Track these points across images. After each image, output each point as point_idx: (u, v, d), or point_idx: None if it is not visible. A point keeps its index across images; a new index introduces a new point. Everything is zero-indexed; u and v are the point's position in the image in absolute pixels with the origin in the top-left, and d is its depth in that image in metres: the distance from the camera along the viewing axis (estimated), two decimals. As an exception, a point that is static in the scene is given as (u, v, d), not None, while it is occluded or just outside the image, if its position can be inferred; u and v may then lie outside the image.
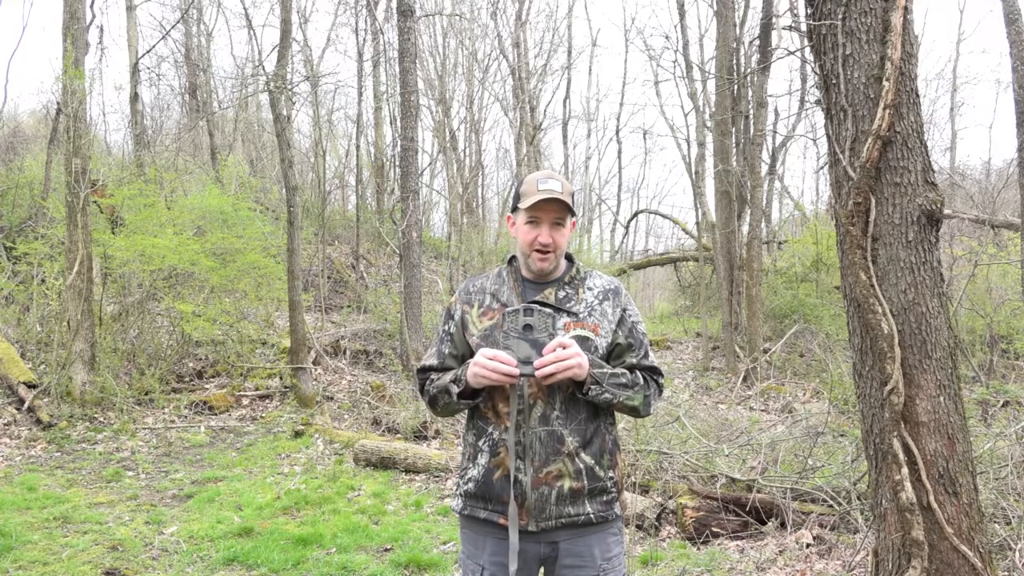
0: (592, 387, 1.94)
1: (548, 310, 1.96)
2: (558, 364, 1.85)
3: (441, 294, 14.08)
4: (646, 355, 2.10)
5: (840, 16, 3.03)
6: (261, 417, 8.93)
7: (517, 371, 1.86)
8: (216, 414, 8.84)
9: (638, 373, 2.06)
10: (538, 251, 2.04)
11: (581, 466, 1.99)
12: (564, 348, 1.87)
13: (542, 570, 2.08)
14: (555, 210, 2.02)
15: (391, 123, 17.40)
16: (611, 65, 62.54)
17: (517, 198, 2.08)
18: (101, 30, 19.70)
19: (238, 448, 7.73)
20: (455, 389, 2.00)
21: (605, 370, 1.97)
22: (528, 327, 1.90)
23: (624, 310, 2.10)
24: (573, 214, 2.09)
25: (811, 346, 12.02)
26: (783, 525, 4.71)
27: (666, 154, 56.10)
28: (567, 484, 1.97)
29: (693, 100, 14.86)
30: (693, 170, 14.86)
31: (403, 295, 10.54)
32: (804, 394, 10.28)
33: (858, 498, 4.56)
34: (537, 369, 1.85)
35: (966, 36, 52.86)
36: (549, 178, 2.04)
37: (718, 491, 5.04)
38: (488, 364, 1.87)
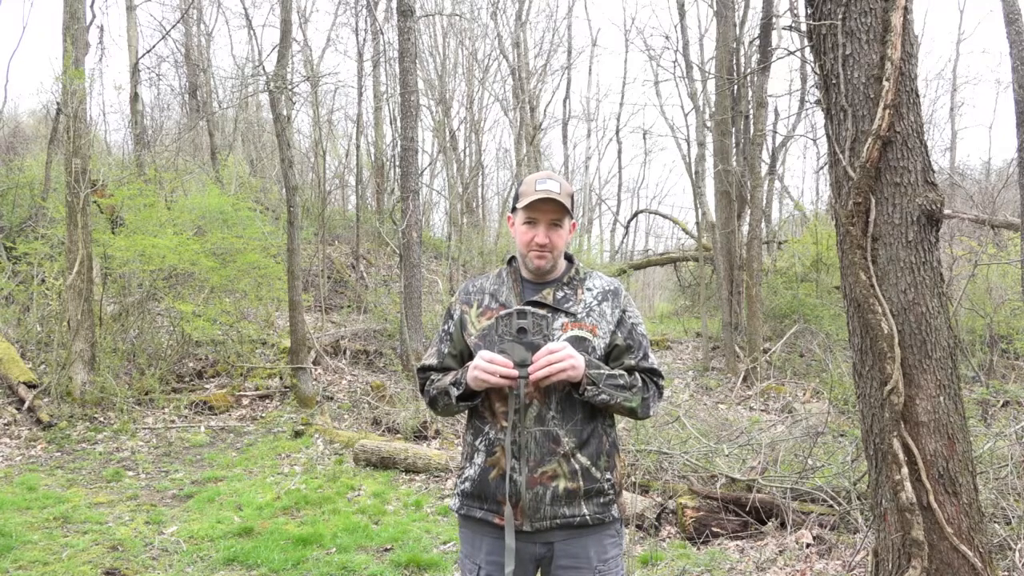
0: (588, 388, 1.94)
1: (542, 311, 1.97)
2: (550, 367, 1.87)
3: (441, 294, 14.07)
4: (646, 357, 2.09)
5: (840, 16, 3.03)
6: (261, 417, 8.93)
7: (516, 372, 1.88)
8: (216, 414, 8.84)
9: (637, 375, 2.05)
10: (535, 250, 2.04)
11: (577, 467, 1.99)
12: (556, 351, 1.88)
13: (539, 571, 2.07)
14: (552, 210, 2.02)
15: (391, 123, 17.43)
16: (611, 65, 62.64)
17: (516, 198, 2.09)
18: (101, 30, 19.74)
19: (238, 448, 7.73)
20: (455, 392, 2.01)
21: (602, 371, 1.97)
22: (522, 330, 1.92)
23: (624, 311, 2.09)
24: (572, 215, 2.09)
25: (811, 346, 12.02)
26: (783, 525, 4.71)
27: (666, 154, 56.26)
28: (562, 484, 1.97)
29: (693, 100, 14.87)
30: (693, 170, 14.86)
31: (403, 295, 10.54)
32: (804, 394, 10.28)
33: (858, 498, 4.56)
34: (531, 373, 1.87)
35: (966, 36, 52.93)
36: (548, 178, 2.04)
37: (718, 491, 5.04)
38: (487, 367, 1.89)
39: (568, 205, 2.03)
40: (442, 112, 18.95)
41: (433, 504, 5.82)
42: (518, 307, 1.98)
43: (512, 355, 1.90)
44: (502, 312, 1.98)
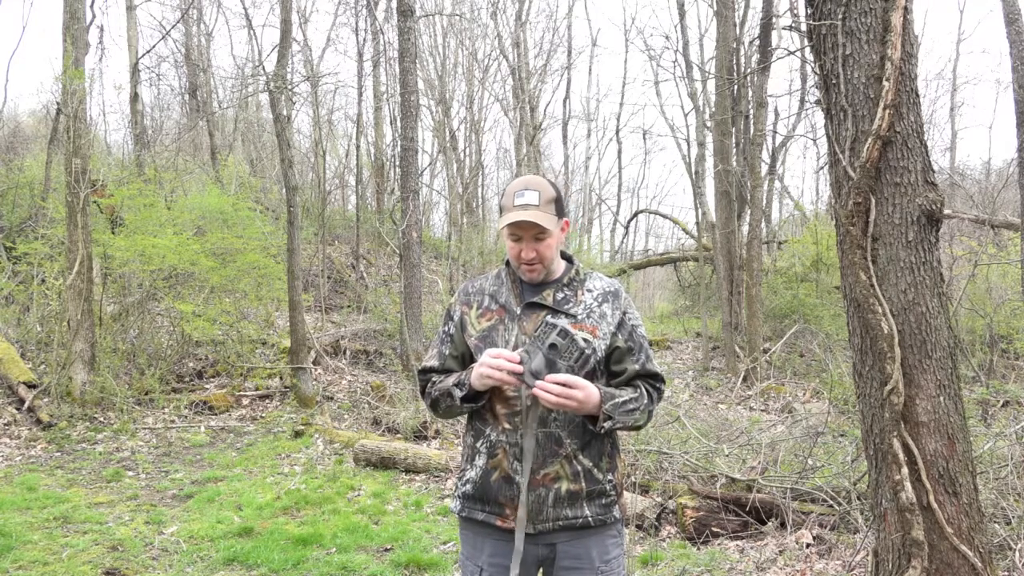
0: (604, 424, 1.93)
1: (581, 341, 1.91)
2: (555, 398, 1.83)
3: (441, 294, 14.08)
4: (648, 359, 2.08)
5: (840, 16, 3.03)
6: (261, 417, 8.93)
7: (521, 368, 1.85)
8: (216, 414, 8.84)
9: (641, 387, 2.04)
10: (524, 264, 2.03)
11: (579, 468, 1.98)
12: (571, 387, 1.84)
13: (540, 571, 2.07)
14: (533, 226, 1.98)
15: (391, 123, 17.43)
16: (611, 65, 62.63)
17: (501, 209, 2.06)
18: (101, 30, 19.72)
19: (238, 448, 7.73)
20: (458, 393, 1.99)
21: (616, 400, 1.95)
22: (553, 346, 1.88)
23: (624, 313, 2.08)
24: (563, 215, 2.05)
25: (811, 346, 12.02)
26: (783, 525, 4.71)
27: (666, 154, 56.16)
28: (564, 486, 1.97)
29: (693, 100, 14.86)
30: (693, 170, 14.86)
31: (403, 295, 10.54)
32: (804, 394, 10.28)
33: (858, 498, 4.56)
34: (538, 387, 1.84)
35: (966, 36, 52.90)
36: (526, 189, 1.99)
37: (718, 491, 5.04)
38: (492, 363, 1.87)
39: (547, 218, 1.97)
40: (442, 112, 18.95)
41: (433, 504, 5.82)
42: (564, 326, 1.90)
43: (530, 360, 1.86)
44: (548, 319, 1.94)
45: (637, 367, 2.05)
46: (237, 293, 10.92)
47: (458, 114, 20.05)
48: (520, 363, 1.86)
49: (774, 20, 11.12)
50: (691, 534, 4.80)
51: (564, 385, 1.84)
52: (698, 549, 4.64)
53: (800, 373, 11.47)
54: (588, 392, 1.87)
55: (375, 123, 18.02)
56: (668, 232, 28.64)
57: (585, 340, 1.95)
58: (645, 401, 2.02)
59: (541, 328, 1.91)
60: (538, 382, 1.84)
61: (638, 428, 2.04)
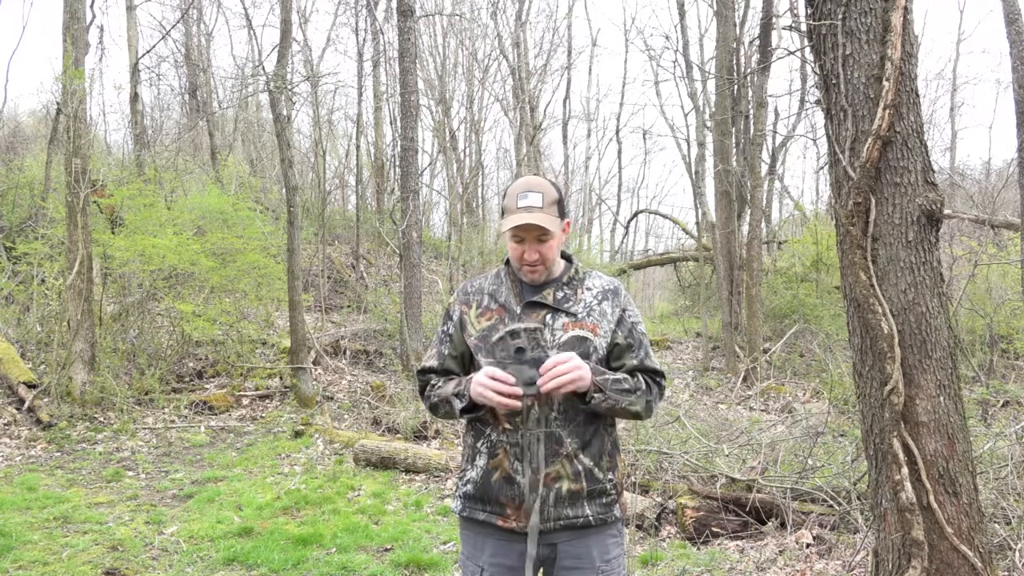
0: (595, 395, 1.93)
1: (533, 324, 1.97)
2: (559, 380, 1.86)
3: (441, 294, 14.08)
4: (648, 356, 2.08)
5: (840, 16, 3.03)
6: (261, 417, 8.93)
7: (520, 391, 1.87)
8: (216, 414, 8.84)
9: (640, 377, 2.04)
10: (527, 266, 2.04)
11: (580, 468, 1.98)
12: (562, 363, 1.87)
13: (541, 571, 2.07)
14: (536, 228, 1.99)
15: (391, 123, 17.44)
16: (611, 65, 62.67)
17: (503, 210, 2.07)
18: (101, 30, 19.71)
19: (238, 448, 7.73)
20: (458, 404, 2.00)
21: (608, 377, 1.96)
22: (520, 349, 1.92)
23: (624, 310, 2.09)
24: (564, 216, 2.06)
25: (811, 346, 12.02)
26: (783, 525, 4.71)
27: (666, 154, 56.16)
28: (565, 486, 1.97)
29: (693, 100, 14.86)
30: (693, 170, 14.86)
31: (403, 295, 10.55)
32: (804, 394, 10.28)
33: (858, 498, 4.56)
34: (541, 387, 1.86)
35: (966, 36, 52.89)
36: (529, 191, 2.00)
37: (718, 491, 5.04)
38: (493, 386, 1.87)
39: (551, 220, 1.98)
40: (442, 112, 18.95)
41: (433, 504, 5.82)
42: (509, 328, 1.97)
43: (518, 378, 1.87)
44: (495, 337, 1.99)
45: (636, 362, 2.06)
46: (237, 293, 10.92)
47: (458, 114, 20.07)
48: (516, 383, 1.87)
49: (774, 20, 11.12)
50: (691, 534, 4.80)
51: (558, 366, 1.87)
52: (698, 549, 4.64)
53: (800, 373, 11.47)
54: (577, 360, 1.89)
55: (375, 123, 18.03)
56: (668, 232, 28.65)
57: (540, 305, 2.02)
58: (643, 387, 2.02)
59: (499, 347, 1.96)
60: (540, 383, 1.86)
61: (637, 416, 2.03)
